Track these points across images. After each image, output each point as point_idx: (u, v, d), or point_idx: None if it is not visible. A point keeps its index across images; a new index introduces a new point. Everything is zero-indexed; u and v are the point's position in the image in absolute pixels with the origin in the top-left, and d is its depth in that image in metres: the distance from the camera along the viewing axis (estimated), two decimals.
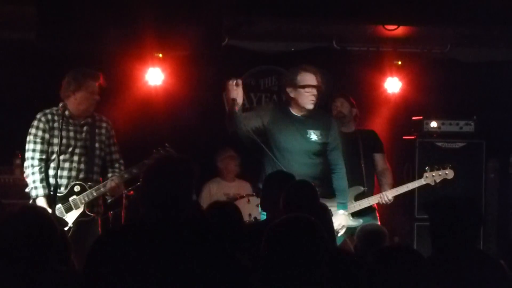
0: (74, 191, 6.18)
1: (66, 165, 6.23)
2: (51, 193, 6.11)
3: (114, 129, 6.57)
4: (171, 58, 8.29)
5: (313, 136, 6.40)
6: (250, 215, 7.20)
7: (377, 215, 7.11)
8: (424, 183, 7.05)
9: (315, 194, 4.95)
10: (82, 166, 6.23)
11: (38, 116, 6.26)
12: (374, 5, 7.33)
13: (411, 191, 7.37)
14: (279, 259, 3.23)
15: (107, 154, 6.43)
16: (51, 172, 6.18)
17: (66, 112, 6.22)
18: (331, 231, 4.84)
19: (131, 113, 8.08)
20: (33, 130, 6.23)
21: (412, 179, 7.37)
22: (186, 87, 8.39)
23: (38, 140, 6.22)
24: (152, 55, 8.18)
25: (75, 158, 6.22)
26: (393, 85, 8.55)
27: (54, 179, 6.01)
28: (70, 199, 6.16)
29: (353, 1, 7.40)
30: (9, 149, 7.48)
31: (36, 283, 3.50)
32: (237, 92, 6.23)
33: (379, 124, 8.31)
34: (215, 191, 8.03)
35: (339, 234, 6.35)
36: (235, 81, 6.25)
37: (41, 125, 6.23)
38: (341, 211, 6.44)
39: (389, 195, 6.95)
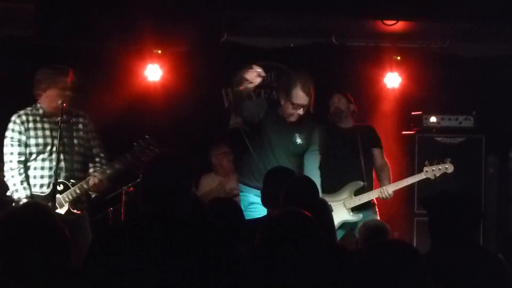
0: (57, 190, 6.10)
1: (47, 164, 6.18)
2: (34, 193, 6.12)
3: (111, 124, 6.56)
4: (170, 54, 8.28)
5: (298, 139, 6.67)
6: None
7: (377, 210, 7.12)
8: (424, 177, 7.07)
9: (315, 190, 4.97)
10: (62, 164, 6.16)
11: (12, 118, 6.22)
12: (373, 0, 7.33)
13: (411, 186, 7.39)
14: (273, 253, 3.23)
15: (87, 149, 6.36)
16: (32, 172, 6.17)
17: (41, 111, 6.20)
18: (331, 227, 4.85)
19: (130, 109, 8.09)
20: (9, 133, 6.20)
21: (412, 174, 7.38)
22: (185, 83, 8.38)
23: (15, 142, 6.18)
24: (151, 52, 8.18)
25: (55, 156, 6.12)
26: (392, 80, 8.55)
27: (54, 174, 6.00)
28: (51, 203, 6.03)
29: None
30: None
31: (38, 280, 3.50)
32: (254, 77, 6.45)
33: (378, 119, 8.31)
34: (209, 185, 8.05)
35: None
36: (260, 70, 6.49)
37: (17, 127, 6.19)
38: None
39: (389, 189, 6.96)
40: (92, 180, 6.17)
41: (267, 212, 5.52)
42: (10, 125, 6.21)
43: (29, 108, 6.24)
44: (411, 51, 8.67)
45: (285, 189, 4.84)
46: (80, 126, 6.32)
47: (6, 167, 6.19)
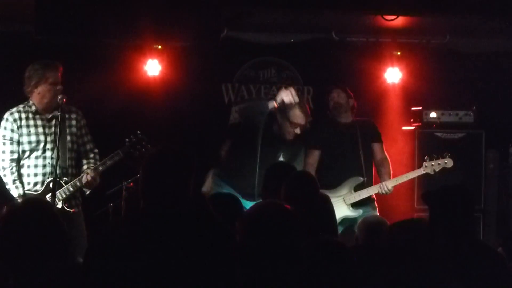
0: (50, 188, 6.06)
1: (40, 162, 6.16)
2: (27, 191, 6.10)
3: (111, 119, 6.55)
4: (170, 49, 8.27)
5: (281, 158, 6.74)
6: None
7: (376, 205, 7.12)
8: (423, 172, 7.08)
9: (315, 185, 4.96)
10: (54, 161, 6.09)
11: (5, 116, 6.20)
12: None
13: (411, 182, 7.39)
14: (251, 246, 3.21)
15: (80, 146, 6.35)
16: (26, 170, 6.15)
17: (33, 108, 6.16)
18: (332, 222, 4.84)
19: (129, 104, 8.07)
20: (1, 131, 6.18)
21: (412, 169, 7.38)
22: (185, 78, 8.37)
23: (7, 141, 6.16)
24: (151, 47, 8.17)
25: (48, 154, 6.12)
26: (393, 75, 8.54)
27: (53, 170, 5.98)
28: (48, 196, 6.05)
29: None
30: None
31: (39, 277, 3.49)
32: (288, 97, 6.62)
33: (378, 115, 8.31)
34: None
35: None
36: (296, 92, 6.71)
37: (9, 125, 6.16)
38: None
39: (388, 185, 6.97)
40: (84, 178, 6.15)
41: None
42: (3, 123, 6.19)
43: (21, 105, 6.21)
44: (411, 47, 8.66)
45: (285, 184, 4.84)
46: (73, 122, 6.29)
47: (1, 165, 6.18)
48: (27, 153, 6.15)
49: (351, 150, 7.14)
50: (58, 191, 6.08)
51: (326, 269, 3.37)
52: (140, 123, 7.96)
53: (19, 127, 6.15)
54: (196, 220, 3.44)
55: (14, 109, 6.21)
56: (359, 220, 5.66)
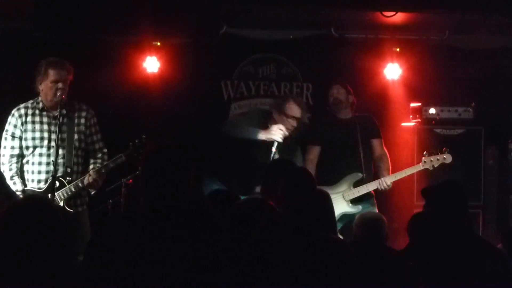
0: (54, 187, 6.03)
1: (44, 159, 6.14)
2: (31, 188, 6.09)
3: (111, 116, 6.53)
4: (169, 46, 8.27)
5: (276, 156, 6.74)
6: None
7: (375, 201, 7.12)
8: (422, 168, 7.09)
9: (312, 182, 4.93)
10: (60, 159, 6.08)
11: (12, 111, 6.21)
12: None
13: (410, 178, 7.39)
14: (237, 240, 3.20)
15: (90, 144, 6.32)
16: (30, 167, 6.14)
17: (40, 105, 6.15)
18: (331, 219, 4.83)
19: (129, 100, 8.08)
20: (6, 126, 6.20)
21: (411, 165, 7.38)
22: (184, 75, 8.37)
23: (9, 136, 6.17)
24: (150, 44, 8.16)
25: (52, 151, 6.08)
26: (392, 71, 8.54)
27: (53, 166, 5.97)
28: (50, 195, 6.01)
29: None
30: None
31: (40, 274, 3.48)
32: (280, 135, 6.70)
33: (377, 111, 8.30)
34: None
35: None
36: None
37: (13, 121, 6.17)
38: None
39: (387, 181, 6.97)
40: (86, 179, 6.13)
41: None
42: (9, 118, 6.21)
43: (30, 101, 6.21)
44: (410, 43, 8.65)
45: (282, 180, 4.82)
46: (82, 120, 6.26)
47: (1, 160, 6.19)
48: (30, 150, 6.13)
49: (350, 146, 7.14)
50: (60, 191, 6.06)
51: (323, 265, 3.37)
52: (139, 120, 7.99)
53: (23, 123, 6.14)
54: (195, 217, 3.44)
55: (22, 105, 6.21)
56: (356, 217, 5.66)
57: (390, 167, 7.16)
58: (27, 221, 3.48)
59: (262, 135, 6.66)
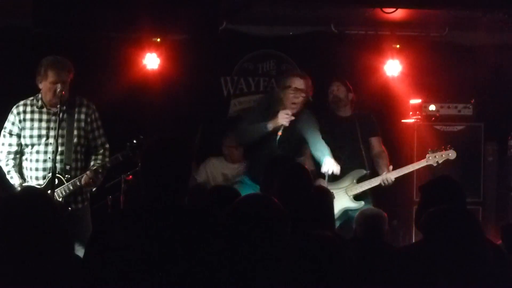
0: (53, 184, 5.98)
1: (41, 157, 6.10)
2: (24, 183, 6.07)
3: (111, 113, 6.50)
4: (169, 42, 8.26)
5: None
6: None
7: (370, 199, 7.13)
8: (427, 164, 7.09)
9: (309, 178, 4.91)
10: (58, 157, 6.02)
11: (13, 108, 6.18)
12: None
13: (410, 174, 7.39)
14: (235, 237, 3.19)
15: (91, 140, 6.27)
16: (28, 164, 6.12)
17: (40, 102, 6.12)
18: (329, 215, 4.83)
19: (129, 97, 8.08)
20: (5, 123, 6.19)
21: (411, 162, 7.39)
22: (184, 71, 8.37)
23: (6, 133, 6.15)
24: (149, 40, 8.16)
25: (50, 148, 6.03)
26: (392, 68, 8.54)
27: (51, 164, 5.95)
28: (49, 192, 5.94)
29: None
30: None
31: (36, 270, 3.47)
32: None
33: (377, 108, 8.30)
34: (214, 169, 8.03)
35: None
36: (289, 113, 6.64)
37: (11, 118, 6.15)
38: (327, 158, 6.65)
39: (391, 176, 6.97)
40: (84, 179, 6.09)
41: None
42: (9, 115, 6.20)
43: (30, 98, 6.18)
44: (410, 40, 8.65)
45: (278, 177, 4.82)
46: (82, 116, 6.21)
47: None
48: (29, 147, 6.11)
49: (351, 143, 7.15)
50: (58, 188, 6.03)
51: (318, 263, 3.36)
52: (139, 116, 7.99)
53: (22, 120, 6.12)
54: (195, 213, 3.44)
55: (21, 102, 6.19)
56: (357, 213, 5.66)
57: (392, 165, 7.16)
58: (23, 214, 3.45)
59: (271, 125, 6.64)
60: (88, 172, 6.11)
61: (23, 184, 6.09)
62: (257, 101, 7.11)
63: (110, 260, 3.27)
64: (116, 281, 3.25)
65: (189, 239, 3.29)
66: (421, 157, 7.21)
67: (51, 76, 6.03)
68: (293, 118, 6.61)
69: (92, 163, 6.26)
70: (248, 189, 6.43)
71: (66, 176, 6.10)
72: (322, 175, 6.65)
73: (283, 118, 6.60)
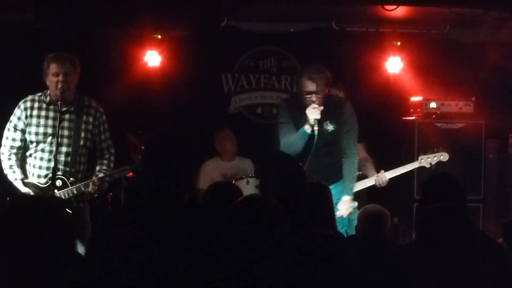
0: (56, 185, 5.95)
1: (46, 155, 6.01)
2: (29, 181, 6.01)
3: (112, 110, 6.47)
4: (170, 39, 8.26)
5: (329, 126, 6.47)
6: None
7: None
8: (419, 165, 7.09)
9: (302, 175, 4.84)
10: (62, 157, 5.98)
11: (20, 103, 6.09)
12: None
13: (411, 172, 7.39)
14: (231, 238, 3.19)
15: (97, 143, 6.18)
16: (32, 161, 6.05)
17: (48, 98, 6.03)
18: (328, 211, 4.81)
19: (130, 94, 8.07)
20: (11, 117, 6.10)
21: (411, 159, 7.38)
22: (185, 68, 8.38)
23: (11, 127, 6.07)
24: (150, 36, 8.16)
25: (54, 148, 5.92)
26: (394, 65, 8.54)
27: (54, 164, 5.93)
28: (50, 193, 5.94)
29: None
30: None
31: (43, 271, 3.46)
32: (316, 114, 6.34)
33: (378, 105, 8.31)
34: (212, 170, 8.01)
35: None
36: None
37: (18, 113, 6.06)
38: (346, 197, 6.41)
39: (386, 176, 6.96)
40: (90, 186, 6.01)
41: None
42: (15, 109, 6.10)
43: (38, 94, 6.09)
44: (411, 37, 8.65)
45: (271, 174, 4.79)
46: (90, 119, 6.11)
47: (1, 150, 6.12)
48: (34, 144, 6.03)
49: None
50: (62, 191, 5.96)
51: (317, 263, 3.35)
52: (140, 113, 8.00)
53: (28, 116, 6.03)
54: (195, 210, 3.44)
55: (29, 97, 6.09)
56: (360, 210, 5.64)
57: (375, 170, 7.12)
58: (28, 222, 3.45)
59: (307, 126, 6.37)
60: (95, 180, 6.03)
61: (26, 182, 6.06)
62: (281, 114, 6.63)
63: (112, 258, 3.27)
64: (118, 279, 3.25)
65: (189, 236, 3.29)
66: (421, 155, 7.20)
67: (53, 68, 5.94)
68: (321, 108, 6.35)
69: (97, 167, 6.17)
70: None
71: (71, 179, 6.03)
72: None
73: (312, 113, 6.33)
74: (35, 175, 6.05)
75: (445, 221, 3.52)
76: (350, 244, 4.23)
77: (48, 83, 6.01)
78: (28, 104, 6.06)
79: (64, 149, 6.00)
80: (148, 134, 5.99)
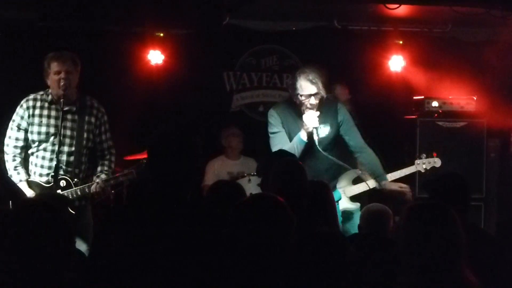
0: (59, 185, 5.92)
1: (47, 155, 5.97)
2: (32, 180, 5.98)
3: (114, 108, 6.47)
4: (172, 37, 8.27)
5: (325, 131, 6.29)
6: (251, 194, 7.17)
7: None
8: (416, 170, 7.11)
9: (302, 173, 4.82)
10: (64, 156, 5.94)
11: (22, 101, 6.04)
12: None
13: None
14: (239, 236, 3.19)
15: (98, 144, 6.12)
16: (34, 160, 6.01)
17: (50, 97, 5.99)
18: (330, 210, 4.82)
19: (132, 92, 8.08)
20: (14, 116, 6.05)
21: (413, 158, 7.39)
22: (187, 66, 8.39)
23: (15, 127, 6.02)
24: (153, 35, 8.17)
25: (56, 148, 5.90)
26: (396, 63, 8.54)
27: (55, 162, 5.92)
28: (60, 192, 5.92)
29: None
30: None
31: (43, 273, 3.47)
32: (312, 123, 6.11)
33: (380, 103, 8.31)
34: (218, 169, 8.02)
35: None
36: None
37: (20, 112, 6.02)
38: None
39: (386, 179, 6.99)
40: (94, 188, 5.96)
41: None
42: (17, 108, 6.06)
43: (40, 93, 6.05)
44: (413, 35, 8.65)
45: (271, 173, 4.79)
46: (92, 119, 6.08)
47: (4, 150, 6.09)
48: (36, 143, 5.99)
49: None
50: (66, 191, 5.92)
51: (319, 260, 3.36)
52: (143, 111, 8.01)
53: (30, 115, 5.99)
54: (198, 208, 3.45)
55: (31, 96, 6.05)
56: (363, 209, 5.65)
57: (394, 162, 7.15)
58: (37, 224, 3.47)
59: (303, 134, 6.14)
60: (99, 182, 6.00)
61: (30, 181, 6.04)
62: (272, 123, 6.27)
63: (115, 257, 3.28)
64: (121, 277, 3.26)
65: (191, 234, 3.30)
66: (423, 153, 7.21)
67: (54, 67, 5.90)
68: (318, 113, 6.11)
69: (99, 168, 6.14)
70: None
71: (75, 180, 6.01)
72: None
73: (310, 120, 6.10)
74: (37, 173, 6.03)
75: (426, 218, 3.53)
76: (353, 243, 4.22)
77: (49, 82, 5.98)
78: (31, 103, 6.03)
79: (66, 148, 5.98)
80: (151, 133, 6.03)
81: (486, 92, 8.42)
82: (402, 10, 7.65)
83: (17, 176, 5.98)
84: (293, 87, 6.22)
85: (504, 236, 5.14)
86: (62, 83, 5.87)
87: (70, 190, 5.95)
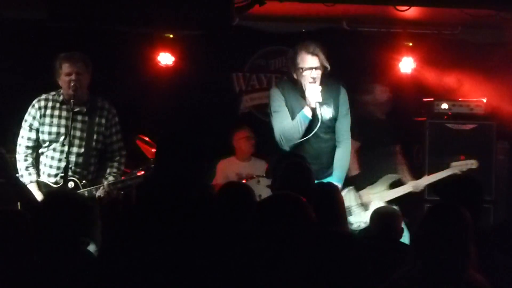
0: (67, 186, 5.95)
1: (57, 155, 6.02)
2: (41, 180, 6.02)
3: (124, 109, 6.47)
4: (181, 38, 8.29)
5: (328, 111, 6.15)
6: (260, 196, 7.17)
7: None
8: (452, 173, 7.12)
9: (308, 174, 4.78)
10: (73, 157, 5.98)
11: (34, 101, 6.09)
12: None
13: (421, 174, 7.41)
14: (261, 233, 3.19)
15: (108, 145, 6.16)
16: (44, 159, 6.05)
17: (61, 98, 6.03)
18: (338, 212, 4.82)
19: (143, 93, 8.10)
20: (26, 116, 6.09)
21: (422, 160, 7.41)
22: (196, 67, 8.41)
23: (27, 126, 6.07)
24: (162, 36, 8.18)
25: (66, 148, 5.93)
26: (405, 66, 8.53)
27: (64, 162, 5.92)
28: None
29: None
30: None
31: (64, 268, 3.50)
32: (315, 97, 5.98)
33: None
34: (227, 170, 8.01)
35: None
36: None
37: (32, 112, 6.06)
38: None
39: (422, 182, 7.01)
40: (101, 191, 6.00)
41: None
42: (29, 108, 6.10)
43: (52, 93, 6.09)
44: (423, 37, 8.64)
45: (278, 174, 4.80)
46: (103, 121, 6.12)
47: (17, 149, 6.13)
48: (46, 143, 6.04)
49: (386, 146, 7.18)
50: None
51: (331, 260, 3.37)
52: (152, 112, 8.02)
53: (42, 115, 6.04)
54: (207, 209, 3.46)
55: (43, 96, 6.10)
56: (372, 211, 5.66)
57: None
58: (63, 215, 3.51)
59: (307, 109, 5.97)
60: (105, 186, 6.02)
61: (39, 181, 6.05)
62: (274, 101, 6.13)
63: (124, 256, 3.29)
64: (130, 276, 3.27)
65: (199, 234, 3.30)
66: (432, 155, 7.23)
67: (65, 68, 5.96)
68: (320, 88, 5.94)
69: (108, 170, 6.17)
70: None
71: (83, 181, 6.03)
72: None
73: (313, 95, 5.91)
74: (46, 173, 6.06)
75: (439, 218, 3.54)
76: (363, 244, 4.23)
77: (60, 83, 6.02)
78: (42, 103, 6.07)
79: (75, 149, 6.01)
80: (160, 133, 6.03)
81: (495, 94, 8.40)
82: (411, 12, 7.64)
83: (28, 177, 6.00)
84: (293, 61, 6.08)
85: (499, 239, 5.15)
86: (72, 84, 5.91)
87: (78, 191, 5.96)
